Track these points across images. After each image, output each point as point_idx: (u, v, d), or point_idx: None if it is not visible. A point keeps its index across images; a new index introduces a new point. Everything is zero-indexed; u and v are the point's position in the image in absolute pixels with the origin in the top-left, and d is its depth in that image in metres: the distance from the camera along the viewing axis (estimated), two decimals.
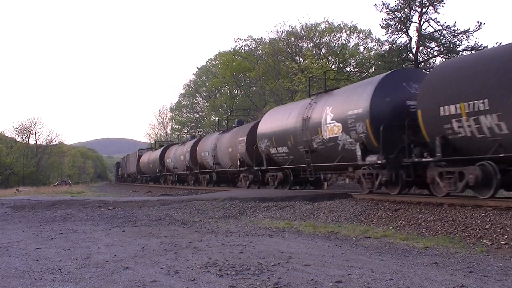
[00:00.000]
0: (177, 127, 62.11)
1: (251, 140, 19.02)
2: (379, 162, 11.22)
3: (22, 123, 75.29)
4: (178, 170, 31.17)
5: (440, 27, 29.76)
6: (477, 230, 7.49)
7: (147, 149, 48.73)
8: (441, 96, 9.71)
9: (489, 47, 28.66)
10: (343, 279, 4.62)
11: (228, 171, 22.79)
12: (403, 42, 31.08)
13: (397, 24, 30.59)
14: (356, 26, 41.52)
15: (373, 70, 35.32)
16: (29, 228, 9.17)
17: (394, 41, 31.24)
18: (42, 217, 10.92)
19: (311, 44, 40.58)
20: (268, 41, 42.95)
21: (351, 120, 12.18)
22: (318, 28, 40.83)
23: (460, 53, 29.47)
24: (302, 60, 38.33)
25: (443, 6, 29.53)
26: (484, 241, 6.99)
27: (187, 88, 60.67)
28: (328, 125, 13.21)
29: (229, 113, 49.97)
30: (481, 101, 8.69)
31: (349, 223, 9.42)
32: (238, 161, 20.10)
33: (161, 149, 37.75)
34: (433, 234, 7.78)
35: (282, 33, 40.88)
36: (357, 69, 39.96)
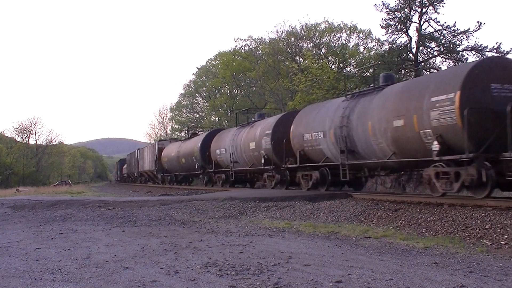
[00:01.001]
0: (177, 127, 62.13)
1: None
2: None
3: (22, 123, 75.48)
4: (241, 165, 20.61)
5: (440, 27, 29.79)
6: (477, 230, 7.49)
7: (171, 140, 38.78)
8: None
9: (489, 47, 28.70)
10: (343, 279, 4.62)
11: (390, 163, 11.81)
12: (403, 42, 31.12)
13: (397, 24, 30.61)
14: (356, 26, 41.60)
15: (373, 70, 35.31)
16: (29, 228, 9.17)
17: (394, 41, 31.27)
18: (42, 217, 10.92)
19: (311, 44, 40.58)
20: (268, 41, 42.97)
21: None
22: (318, 28, 40.85)
23: (460, 53, 29.50)
24: (302, 60, 38.33)
25: (443, 6, 29.57)
26: (484, 241, 6.99)
27: (187, 88, 60.75)
28: None
29: (229, 113, 50.00)
30: None
31: (349, 223, 9.42)
32: (429, 143, 10.03)
33: (202, 136, 27.13)
34: (433, 234, 7.78)
35: (282, 33, 40.90)
36: (357, 69, 39.98)
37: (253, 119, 21.67)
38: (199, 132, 32.64)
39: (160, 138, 62.05)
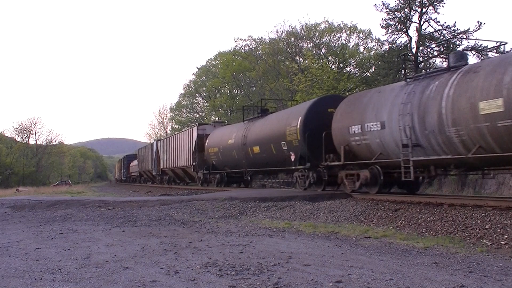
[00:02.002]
0: (177, 127, 62.19)
1: None
2: None
3: (22, 123, 75.77)
4: (431, 151, 10.41)
5: (440, 27, 29.80)
6: (477, 230, 7.49)
7: (215, 124, 26.41)
8: None
9: (489, 47, 28.70)
10: (343, 279, 4.61)
11: None
12: (403, 42, 31.13)
13: (397, 24, 30.64)
14: (356, 26, 41.65)
15: (373, 70, 35.37)
16: (29, 228, 9.17)
17: (394, 41, 31.29)
18: (42, 217, 10.92)
19: (311, 44, 40.64)
20: (268, 41, 43.04)
21: None
22: (318, 28, 40.91)
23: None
24: (302, 60, 38.37)
25: (443, 6, 29.57)
26: (484, 241, 6.99)
27: (187, 88, 60.79)
28: None
29: (229, 113, 49.97)
30: None
31: (349, 223, 9.42)
32: None
33: (305, 106, 15.53)
34: (433, 234, 7.78)
35: (282, 33, 41.00)
36: (357, 69, 40.03)
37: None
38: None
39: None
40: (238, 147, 19.79)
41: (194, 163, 25.36)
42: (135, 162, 53.09)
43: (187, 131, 27.75)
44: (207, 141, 23.95)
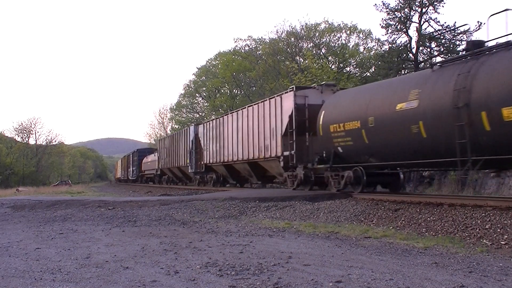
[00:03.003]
0: (177, 127, 62.21)
1: None
2: None
3: (22, 123, 75.91)
4: None
5: (440, 27, 29.79)
6: (477, 230, 7.49)
7: (318, 88, 15.49)
8: None
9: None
10: (343, 279, 4.61)
11: None
12: (403, 42, 31.14)
13: (397, 24, 30.65)
14: (356, 26, 41.70)
15: (373, 70, 35.38)
16: (29, 228, 9.17)
17: (394, 41, 31.30)
18: (42, 217, 10.92)
19: (311, 44, 40.68)
20: (268, 41, 43.07)
21: None
22: (318, 28, 40.94)
23: (460, 53, 29.45)
24: (302, 60, 38.39)
25: (443, 6, 29.60)
26: (484, 241, 6.99)
27: (187, 88, 60.81)
28: None
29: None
30: None
31: (349, 223, 9.42)
32: None
33: None
34: (433, 234, 7.78)
35: (282, 33, 41.03)
36: (357, 69, 40.05)
37: None
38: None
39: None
40: (437, 114, 9.75)
41: (285, 153, 15.60)
42: (151, 157, 42.39)
43: (267, 102, 17.38)
44: (323, 113, 13.60)
